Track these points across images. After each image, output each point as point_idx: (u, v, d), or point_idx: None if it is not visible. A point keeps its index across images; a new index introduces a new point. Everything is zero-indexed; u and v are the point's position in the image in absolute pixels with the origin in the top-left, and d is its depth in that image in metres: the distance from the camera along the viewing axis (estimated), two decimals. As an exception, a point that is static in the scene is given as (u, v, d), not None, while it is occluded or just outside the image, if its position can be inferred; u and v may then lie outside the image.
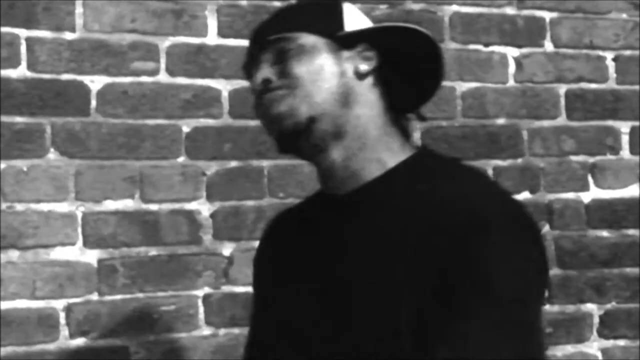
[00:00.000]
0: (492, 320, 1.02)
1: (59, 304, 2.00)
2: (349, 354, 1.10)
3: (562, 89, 2.42)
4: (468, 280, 1.03)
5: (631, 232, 2.42)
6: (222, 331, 2.10)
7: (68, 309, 2.00)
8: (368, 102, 1.19)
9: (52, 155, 2.02)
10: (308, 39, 1.17)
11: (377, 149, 1.18)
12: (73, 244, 2.02)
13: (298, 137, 1.17)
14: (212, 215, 2.12)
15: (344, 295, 1.13)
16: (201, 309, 2.09)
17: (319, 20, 1.19)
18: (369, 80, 1.19)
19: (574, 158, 2.41)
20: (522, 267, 1.06)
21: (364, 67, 1.18)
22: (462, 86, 2.33)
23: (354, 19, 1.21)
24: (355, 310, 1.11)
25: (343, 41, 1.18)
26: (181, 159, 2.11)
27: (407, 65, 1.22)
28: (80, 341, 2.00)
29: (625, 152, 2.45)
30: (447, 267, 1.04)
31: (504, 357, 1.01)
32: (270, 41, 1.18)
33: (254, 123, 2.18)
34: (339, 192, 1.20)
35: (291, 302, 1.21)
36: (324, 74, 1.16)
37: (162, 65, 2.11)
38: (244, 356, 1.35)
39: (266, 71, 1.17)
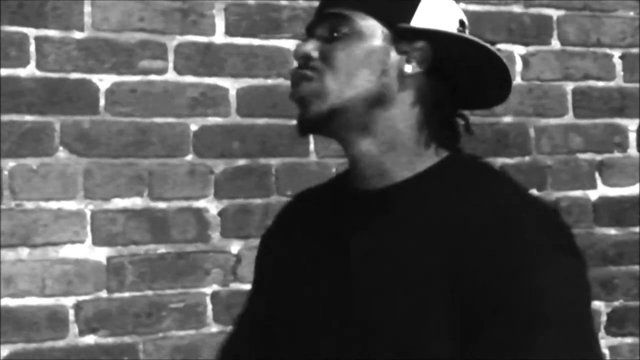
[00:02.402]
0: (554, 342, 0.98)
1: (68, 302, 2.01)
2: None
3: (569, 86, 2.43)
4: (523, 305, 0.98)
5: (639, 229, 2.42)
6: (230, 328, 2.10)
7: (77, 307, 2.01)
8: (402, 105, 1.12)
9: (62, 153, 2.03)
10: (367, 23, 1.11)
11: (408, 151, 1.13)
12: (82, 241, 2.03)
13: (317, 125, 1.12)
14: (220, 213, 2.13)
15: (365, 297, 1.09)
16: (209, 307, 2.10)
17: (389, 3, 1.12)
18: (412, 83, 1.12)
19: (581, 156, 2.41)
20: (574, 284, 1.02)
21: (408, 69, 1.11)
22: (469, 84, 2.33)
23: (430, 12, 1.13)
24: (379, 316, 1.07)
25: (403, 33, 1.11)
26: (189, 157, 2.12)
27: (462, 77, 1.16)
28: (89, 338, 2.01)
29: (632, 150, 2.45)
30: (493, 286, 0.99)
31: None
32: (329, 14, 1.13)
33: (262, 121, 2.19)
34: (366, 188, 1.15)
35: (303, 296, 1.16)
36: (365, 70, 1.10)
37: (170, 64, 2.12)
38: (235, 329, 1.32)
39: (311, 46, 1.12)
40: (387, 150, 1.13)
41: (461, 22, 1.17)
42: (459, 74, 1.15)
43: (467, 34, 1.16)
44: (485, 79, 1.16)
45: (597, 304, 2.38)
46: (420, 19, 1.12)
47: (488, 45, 1.12)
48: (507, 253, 1.00)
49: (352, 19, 1.11)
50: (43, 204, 2.01)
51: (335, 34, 1.11)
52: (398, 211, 1.11)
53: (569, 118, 2.42)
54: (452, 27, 1.15)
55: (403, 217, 1.10)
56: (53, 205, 2.02)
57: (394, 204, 1.12)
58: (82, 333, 2.01)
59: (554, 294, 0.99)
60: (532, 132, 2.38)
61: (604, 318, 2.38)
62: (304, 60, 1.12)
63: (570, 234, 1.07)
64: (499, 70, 1.13)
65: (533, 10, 2.41)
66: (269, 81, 2.18)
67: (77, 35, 2.06)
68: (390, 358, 1.04)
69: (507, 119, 2.36)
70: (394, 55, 1.11)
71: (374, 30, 1.11)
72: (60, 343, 1.99)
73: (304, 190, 1.31)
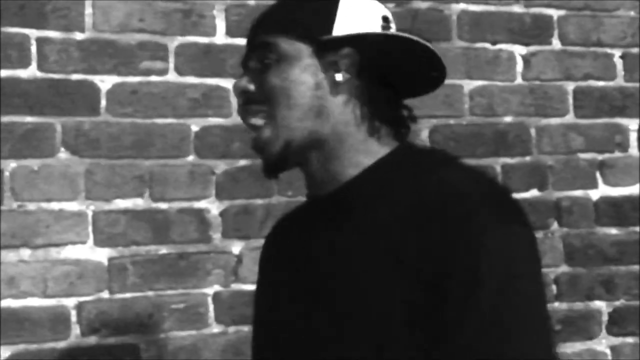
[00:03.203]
0: (499, 310, 1.01)
1: (70, 302, 2.01)
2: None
3: (570, 86, 2.43)
4: (469, 274, 1.01)
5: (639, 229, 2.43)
6: (231, 329, 2.11)
7: (79, 307, 2.02)
8: (343, 111, 1.18)
9: (63, 154, 2.04)
10: (290, 46, 1.17)
11: (355, 151, 1.18)
12: (84, 242, 2.03)
13: (282, 163, 1.19)
14: (221, 214, 2.13)
15: (332, 299, 1.12)
16: (211, 307, 2.10)
17: (307, 21, 1.18)
18: (345, 88, 1.18)
19: (582, 155, 2.42)
20: (522, 251, 1.05)
21: (339, 77, 1.17)
22: (470, 84, 2.34)
23: (350, 16, 1.18)
24: (345, 313, 1.10)
25: (326, 45, 1.17)
26: (190, 158, 2.12)
27: (395, 70, 1.20)
28: (91, 339, 2.02)
29: (633, 150, 2.46)
30: (442, 260, 1.03)
31: (519, 351, 1.01)
32: (255, 46, 1.20)
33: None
34: (319, 193, 1.21)
35: (283, 308, 1.21)
36: (299, 89, 1.16)
37: (171, 64, 2.13)
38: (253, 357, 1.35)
39: (245, 81, 1.19)
40: (335, 156, 1.18)
41: (384, 18, 1.21)
42: (392, 68, 1.20)
43: (392, 29, 1.20)
44: (419, 67, 1.20)
45: (598, 304, 2.38)
46: (342, 26, 1.17)
47: (412, 36, 1.16)
48: (459, 227, 1.03)
49: (276, 45, 1.17)
50: (44, 205, 2.01)
51: (265, 61, 1.18)
52: (348, 210, 1.16)
53: (569, 118, 2.42)
54: (376, 25, 1.19)
55: (353, 215, 1.15)
56: (54, 206, 2.02)
57: (343, 204, 1.17)
58: (83, 334, 2.01)
59: (498, 257, 1.02)
60: (533, 132, 2.38)
61: (605, 318, 2.38)
62: (244, 95, 1.19)
63: (520, 208, 1.10)
64: (429, 56, 1.18)
65: (534, 10, 2.41)
66: (270, 82, 2.18)
67: (78, 36, 2.07)
68: (369, 355, 1.07)
69: (508, 119, 2.36)
70: (322, 68, 1.17)
71: (299, 50, 1.17)
72: (62, 344, 2.00)
73: (284, 214, 1.38)
